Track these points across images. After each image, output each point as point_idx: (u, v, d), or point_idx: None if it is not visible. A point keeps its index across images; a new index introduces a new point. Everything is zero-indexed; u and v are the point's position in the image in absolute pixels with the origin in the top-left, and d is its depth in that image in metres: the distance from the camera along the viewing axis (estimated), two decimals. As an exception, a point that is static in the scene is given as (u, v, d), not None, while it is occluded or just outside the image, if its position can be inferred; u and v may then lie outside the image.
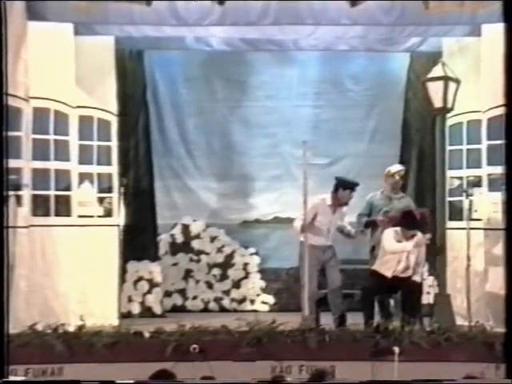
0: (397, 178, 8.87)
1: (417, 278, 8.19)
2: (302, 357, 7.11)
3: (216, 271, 10.45)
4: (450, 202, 9.20)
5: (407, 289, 8.13)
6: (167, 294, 10.25)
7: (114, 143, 9.39)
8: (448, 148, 9.22)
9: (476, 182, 8.89)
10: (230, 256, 10.49)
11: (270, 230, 10.63)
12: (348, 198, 8.41)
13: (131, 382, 5.47)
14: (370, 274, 8.34)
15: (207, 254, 10.49)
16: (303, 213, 8.18)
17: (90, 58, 8.93)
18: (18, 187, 7.81)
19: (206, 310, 10.29)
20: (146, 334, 7.36)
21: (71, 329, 7.74)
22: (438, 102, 8.78)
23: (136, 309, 9.93)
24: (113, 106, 9.34)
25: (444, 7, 8.15)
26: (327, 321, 8.16)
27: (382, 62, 10.39)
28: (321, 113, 10.49)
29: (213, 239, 10.50)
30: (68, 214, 8.75)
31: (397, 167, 8.99)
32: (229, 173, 10.41)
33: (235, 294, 10.38)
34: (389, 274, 8.15)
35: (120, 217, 9.03)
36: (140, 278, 10.02)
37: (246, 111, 10.49)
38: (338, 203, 8.44)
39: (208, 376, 6.18)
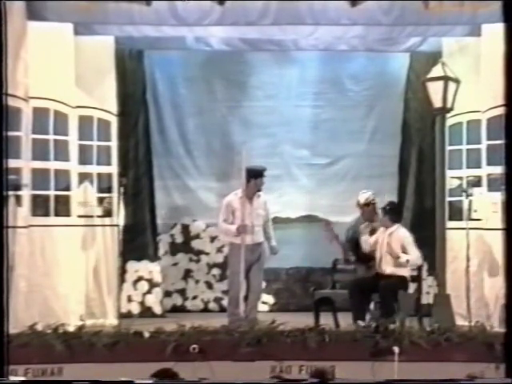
0: (368, 207, 8.79)
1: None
2: (301, 357, 7.11)
3: (216, 271, 10.45)
4: (449, 201, 9.19)
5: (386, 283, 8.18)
6: (167, 293, 10.25)
7: (113, 143, 9.38)
8: (448, 148, 9.21)
9: (476, 182, 8.89)
10: (230, 256, 10.49)
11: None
12: (261, 185, 8.46)
13: (150, 382, 5.46)
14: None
15: (207, 254, 10.49)
16: (223, 213, 8.40)
17: (89, 58, 8.93)
18: (17, 187, 7.80)
19: (205, 310, 10.29)
20: (146, 334, 7.35)
21: (71, 329, 7.73)
22: (437, 102, 8.79)
23: (136, 309, 9.93)
24: (113, 106, 9.34)
25: (444, 7, 8.15)
26: (327, 321, 8.17)
27: (382, 62, 10.38)
28: (321, 113, 10.47)
29: (213, 239, 10.49)
30: (67, 214, 8.75)
31: (364, 196, 8.86)
32: (229, 173, 10.40)
33: (235, 294, 10.38)
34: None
35: (120, 217, 9.03)
36: (140, 278, 10.03)
37: (245, 111, 10.48)
38: (253, 193, 8.44)
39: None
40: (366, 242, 8.39)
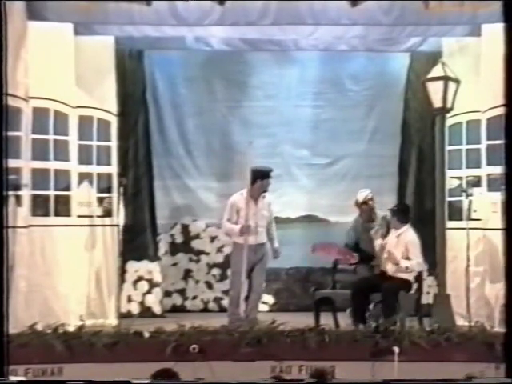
0: (366, 205, 8.80)
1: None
2: (301, 357, 7.11)
3: (216, 271, 10.45)
4: (449, 202, 9.18)
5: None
6: (167, 293, 10.25)
7: (113, 143, 9.39)
8: (447, 148, 9.21)
9: (475, 182, 8.89)
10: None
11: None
12: (267, 185, 8.47)
13: (146, 382, 5.47)
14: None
15: (207, 254, 10.49)
16: (227, 213, 8.37)
17: (89, 58, 8.93)
18: (17, 187, 7.81)
19: (205, 310, 10.29)
20: (146, 334, 7.35)
21: (71, 329, 7.74)
22: (437, 102, 8.79)
23: (136, 309, 9.93)
24: (112, 106, 9.34)
25: (444, 7, 8.15)
26: (327, 321, 8.17)
27: (382, 62, 10.37)
28: (321, 113, 10.46)
29: (213, 239, 10.49)
30: (67, 214, 8.75)
31: (363, 195, 8.89)
32: (229, 173, 10.40)
33: (235, 293, 10.38)
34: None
35: (120, 217, 9.04)
36: (140, 278, 10.03)
37: (245, 111, 10.47)
38: (258, 193, 8.43)
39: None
40: (379, 245, 8.35)
